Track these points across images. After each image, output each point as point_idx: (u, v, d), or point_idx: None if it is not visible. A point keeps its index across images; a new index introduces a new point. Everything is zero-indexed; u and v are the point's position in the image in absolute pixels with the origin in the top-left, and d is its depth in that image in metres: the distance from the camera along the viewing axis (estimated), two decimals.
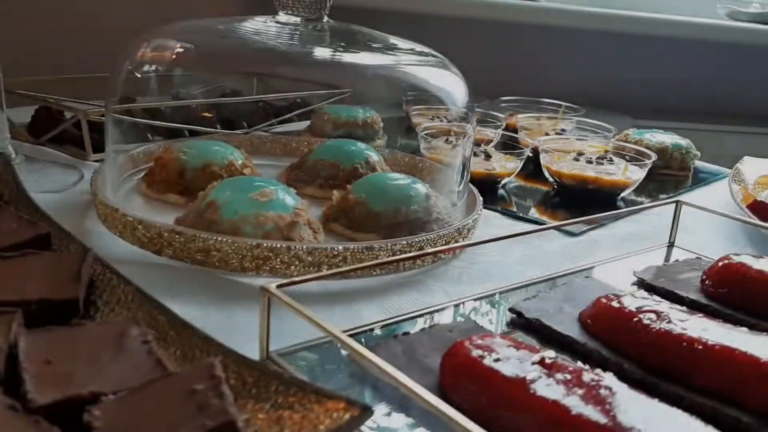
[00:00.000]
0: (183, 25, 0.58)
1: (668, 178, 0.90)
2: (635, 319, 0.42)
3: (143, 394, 0.30)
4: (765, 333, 0.41)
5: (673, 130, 0.99)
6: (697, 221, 0.70)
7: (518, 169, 0.79)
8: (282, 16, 0.59)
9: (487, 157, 0.78)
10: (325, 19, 0.60)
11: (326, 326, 0.35)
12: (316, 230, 0.55)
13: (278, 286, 0.38)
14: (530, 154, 0.87)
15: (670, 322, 0.42)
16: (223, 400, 0.29)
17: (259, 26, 0.59)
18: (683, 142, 0.91)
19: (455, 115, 0.67)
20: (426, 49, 0.64)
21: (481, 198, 0.64)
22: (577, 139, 0.89)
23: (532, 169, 0.86)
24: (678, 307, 0.44)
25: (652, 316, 0.43)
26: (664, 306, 0.44)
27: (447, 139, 0.79)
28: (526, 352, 0.37)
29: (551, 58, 1.46)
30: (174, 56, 0.57)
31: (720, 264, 0.52)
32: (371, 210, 0.57)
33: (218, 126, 0.84)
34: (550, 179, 0.79)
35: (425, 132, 0.78)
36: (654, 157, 0.78)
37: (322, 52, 0.67)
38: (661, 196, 0.82)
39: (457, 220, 0.60)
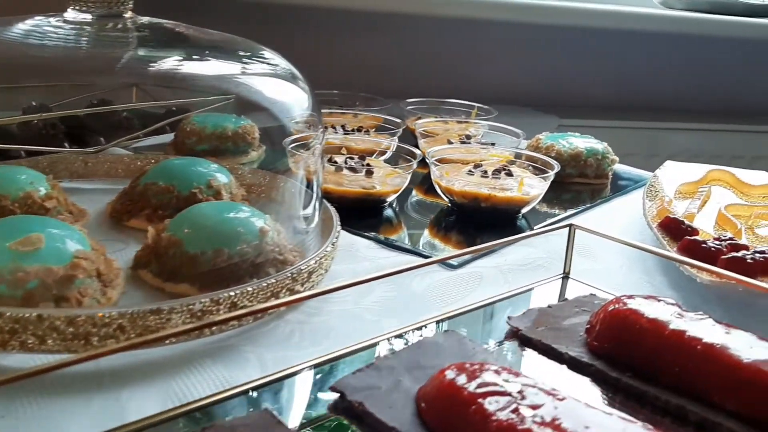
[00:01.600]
0: None
1: (584, 187, 0.80)
2: (473, 406, 0.32)
3: None
4: (640, 422, 0.31)
5: (605, 128, 0.90)
6: (602, 242, 0.61)
7: (404, 185, 0.68)
8: (71, 13, 0.47)
9: (369, 173, 0.67)
10: (129, 14, 0.48)
11: None
12: (109, 283, 0.44)
13: None
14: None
15: (516, 410, 0.31)
16: None
17: (46, 27, 0.47)
18: (599, 146, 0.82)
19: (296, 124, 0.57)
20: (268, 53, 0.53)
21: (339, 227, 0.53)
22: (482, 147, 0.79)
23: None
24: (538, 384, 0.33)
25: (498, 399, 0.32)
26: (515, 383, 0.33)
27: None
28: None
29: (471, 54, 1.35)
30: None
31: (608, 309, 0.42)
32: (185, 253, 0.46)
33: (66, 144, 0.72)
34: (443, 197, 0.68)
35: (294, 144, 0.67)
36: (557, 167, 0.68)
37: (162, 59, 0.56)
38: (570, 211, 0.72)
39: (311, 254, 0.50)
